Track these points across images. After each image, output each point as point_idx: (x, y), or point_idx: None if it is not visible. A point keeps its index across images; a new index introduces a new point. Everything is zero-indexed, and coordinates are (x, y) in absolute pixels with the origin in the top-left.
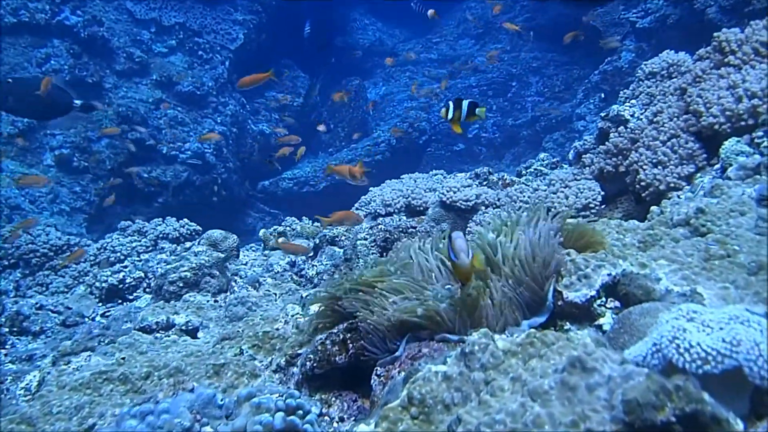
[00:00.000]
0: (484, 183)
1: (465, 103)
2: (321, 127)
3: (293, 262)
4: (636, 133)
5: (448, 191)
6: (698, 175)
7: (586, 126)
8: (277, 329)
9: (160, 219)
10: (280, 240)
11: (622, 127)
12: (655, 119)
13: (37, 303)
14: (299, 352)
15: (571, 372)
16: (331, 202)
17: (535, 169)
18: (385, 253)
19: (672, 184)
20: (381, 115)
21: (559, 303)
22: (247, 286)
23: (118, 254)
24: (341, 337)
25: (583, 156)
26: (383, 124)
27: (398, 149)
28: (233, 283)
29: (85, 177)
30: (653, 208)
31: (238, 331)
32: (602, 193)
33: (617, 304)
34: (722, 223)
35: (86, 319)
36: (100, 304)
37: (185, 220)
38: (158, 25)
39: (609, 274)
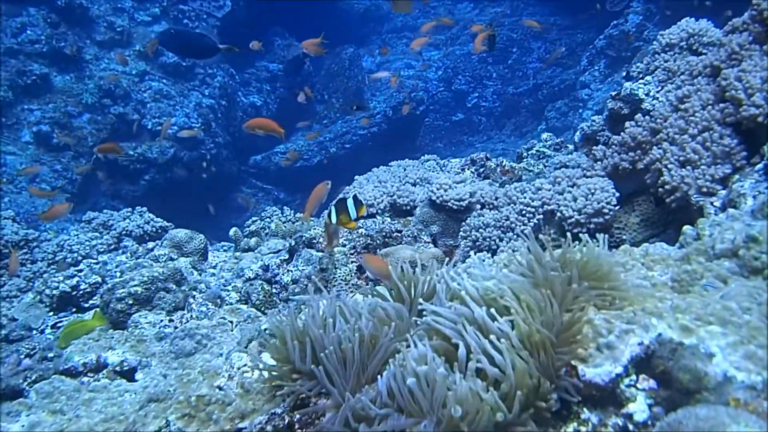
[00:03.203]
0: (481, 170)
1: (350, 203)
2: (300, 97)
3: (266, 266)
4: (658, 122)
5: (438, 189)
6: (735, 176)
7: (590, 94)
8: (219, 388)
9: (129, 210)
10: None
11: (639, 114)
12: (681, 106)
13: None
14: (240, 426)
15: None
16: (325, 176)
17: (537, 151)
18: None
19: (704, 189)
20: (377, 84)
21: (574, 380)
22: (207, 303)
23: (76, 254)
24: (286, 420)
25: (594, 149)
26: (379, 94)
27: (395, 120)
28: (191, 300)
29: (66, 154)
30: (686, 229)
31: (169, 391)
32: (617, 194)
33: (652, 384)
34: None
35: (34, 332)
36: (52, 313)
37: (150, 215)
38: None
39: (640, 343)
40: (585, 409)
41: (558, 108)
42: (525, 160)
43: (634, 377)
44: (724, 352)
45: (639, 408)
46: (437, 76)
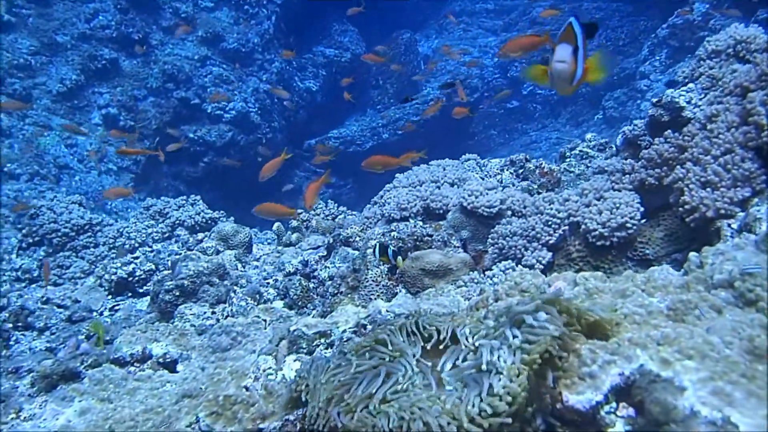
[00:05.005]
0: (520, 171)
1: (390, 250)
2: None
3: (306, 262)
4: (685, 140)
5: (469, 195)
6: (755, 200)
7: (649, 85)
8: (245, 388)
9: (184, 198)
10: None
11: (669, 131)
12: (708, 126)
13: (43, 296)
14: (261, 427)
15: None
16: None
17: (580, 151)
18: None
19: (722, 211)
20: (432, 70)
21: (557, 405)
22: (247, 298)
23: (134, 242)
24: (298, 427)
25: (624, 162)
26: (434, 80)
27: (448, 107)
28: (232, 294)
29: (131, 136)
30: (691, 255)
31: (201, 388)
32: (642, 209)
33: (631, 412)
34: None
35: (94, 314)
36: (110, 297)
37: (202, 207)
38: None
39: (621, 374)
40: None
41: (616, 97)
42: (568, 160)
43: (614, 405)
44: (694, 387)
45: None
46: (493, 62)
